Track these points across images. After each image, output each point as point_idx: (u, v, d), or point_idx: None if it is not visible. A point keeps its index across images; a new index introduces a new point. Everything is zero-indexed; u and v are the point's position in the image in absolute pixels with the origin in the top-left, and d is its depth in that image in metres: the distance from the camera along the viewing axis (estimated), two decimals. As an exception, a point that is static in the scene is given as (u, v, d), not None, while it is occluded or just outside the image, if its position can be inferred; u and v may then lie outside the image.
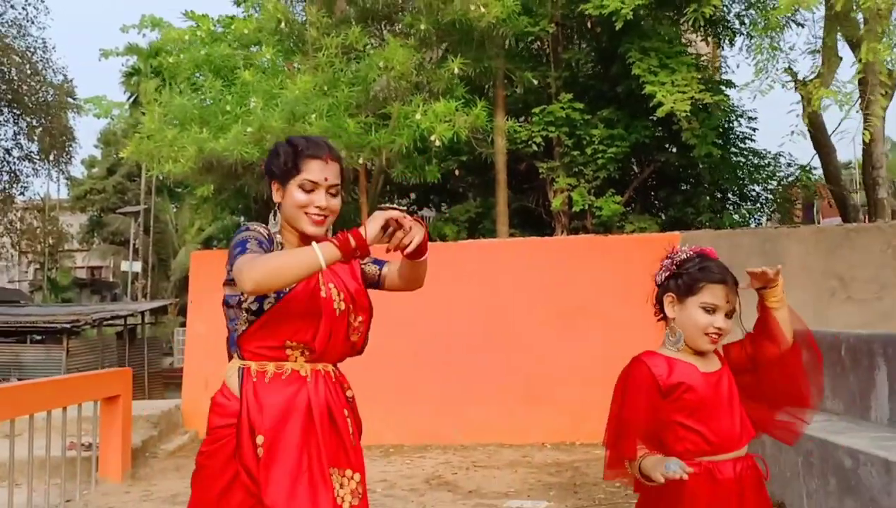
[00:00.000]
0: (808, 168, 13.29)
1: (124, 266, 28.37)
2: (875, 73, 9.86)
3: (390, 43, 9.53)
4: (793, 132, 11.05)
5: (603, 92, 11.51)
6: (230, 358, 2.21)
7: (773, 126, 16.35)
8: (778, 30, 10.69)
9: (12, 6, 19.17)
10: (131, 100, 26.63)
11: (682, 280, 2.13)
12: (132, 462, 6.76)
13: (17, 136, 20.28)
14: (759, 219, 13.80)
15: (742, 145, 13.10)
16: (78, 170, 33.10)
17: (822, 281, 8.09)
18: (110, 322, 17.30)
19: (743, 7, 11.98)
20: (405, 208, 2.05)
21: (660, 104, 9.50)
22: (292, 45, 10.64)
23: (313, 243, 1.97)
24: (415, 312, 7.99)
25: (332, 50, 9.70)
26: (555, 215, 11.19)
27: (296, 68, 10.42)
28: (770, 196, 13.30)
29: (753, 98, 16.96)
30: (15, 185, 20.89)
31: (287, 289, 2.06)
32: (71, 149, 21.53)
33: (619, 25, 9.44)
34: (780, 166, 13.29)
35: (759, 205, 13.42)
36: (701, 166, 11.68)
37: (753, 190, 13.29)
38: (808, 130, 11.50)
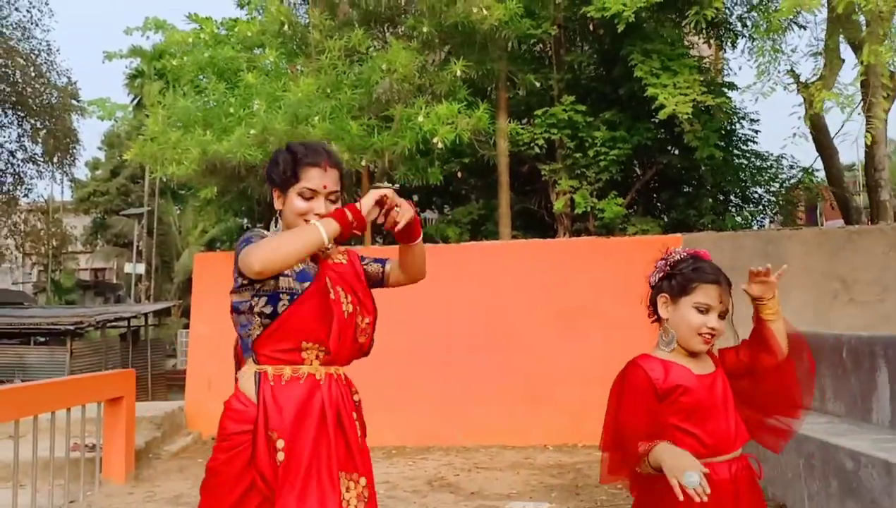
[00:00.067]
0: (810, 170, 13.31)
1: (128, 268, 28.38)
2: (877, 76, 9.86)
3: (393, 45, 9.55)
4: (795, 134, 11.10)
5: (605, 94, 11.50)
6: (240, 365, 2.23)
7: (775, 128, 16.41)
8: (780, 32, 10.71)
9: (16, 9, 19.20)
10: (135, 102, 26.65)
11: (675, 280, 2.15)
12: (135, 464, 6.78)
13: (21, 138, 20.28)
14: (761, 222, 13.80)
15: (744, 147, 13.09)
16: (82, 173, 33.12)
17: (825, 283, 8.09)
18: (114, 324, 17.29)
19: (745, 9, 11.99)
20: (397, 188, 2.11)
21: (662, 106, 9.49)
22: (295, 47, 10.67)
23: (313, 219, 2.05)
24: (417, 313, 8.03)
25: (334, 52, 9.73)
26: (557, 217, 11.18)
27: (299, 71, 10.46)
28: (772, 198, 13.29)
29: (755, 100, 17.02)
30: (19, 187, 20.89)
31: (300, 291, 2.11)
32: (75, 151, 21.51)
33: (621, 28, 9.44)
34: (783, 168, 13.31)
35: (761, 207, 13.41)
36: (703, 168, 11.67)
37: (756, 192, 13.30)
38: (811, 132, 11.51)
